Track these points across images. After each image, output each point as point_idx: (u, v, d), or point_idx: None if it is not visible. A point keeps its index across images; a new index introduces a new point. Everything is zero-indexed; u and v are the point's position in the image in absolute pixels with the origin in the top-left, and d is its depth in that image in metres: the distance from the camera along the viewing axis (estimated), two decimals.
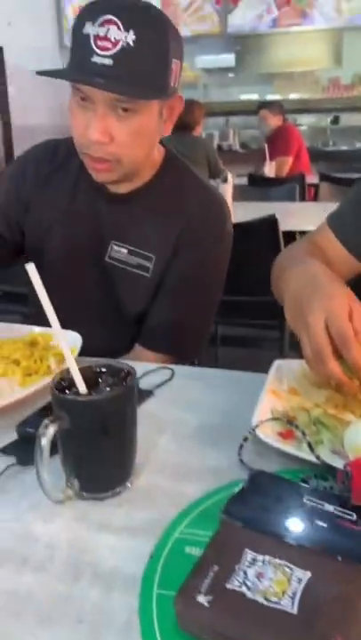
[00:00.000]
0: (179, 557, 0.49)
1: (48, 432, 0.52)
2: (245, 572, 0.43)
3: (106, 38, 0.82)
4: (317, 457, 0.60)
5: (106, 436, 0.55)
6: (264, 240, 2.02)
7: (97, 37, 0.82)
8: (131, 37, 0.82)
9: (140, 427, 0.60)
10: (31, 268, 0.54)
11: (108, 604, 0.45)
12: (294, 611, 0.40)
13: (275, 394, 0.73)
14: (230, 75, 6.73)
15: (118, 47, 0.82)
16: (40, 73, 0.88)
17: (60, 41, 6.59)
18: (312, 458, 0.60)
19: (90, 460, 0.56)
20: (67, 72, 0.88)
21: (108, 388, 0.56)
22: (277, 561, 0.44)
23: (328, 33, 5.75)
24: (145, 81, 0.85)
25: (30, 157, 1.13)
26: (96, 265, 1.07)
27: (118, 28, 0.82)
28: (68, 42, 6.48)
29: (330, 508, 0.52)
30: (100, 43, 0.82)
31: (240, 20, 5.75)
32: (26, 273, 1.18)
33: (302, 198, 3.70)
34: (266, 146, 4.21)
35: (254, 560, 0.44)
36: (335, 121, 6.34)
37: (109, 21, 0.82)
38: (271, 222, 2.01)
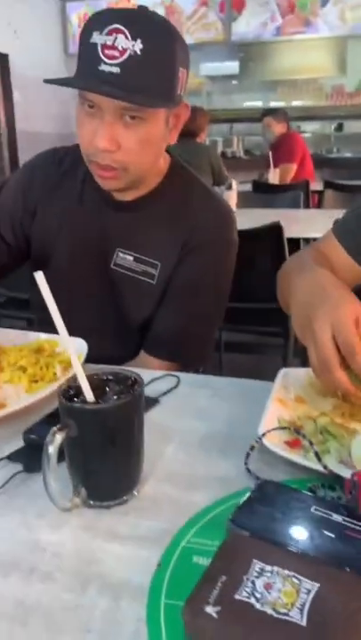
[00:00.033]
0: (186, 567, 0.49)
1: (55, 440, 0.52)
2: (254, 583, 0.43)
3: (113, 47, 0.82)
4: (325, 466, 0.59)
5: (113, 444, 0.55)
6: (269, 247, 2.02)
7: (104, 46, 0.83)
8: (138, 46, 0.82)
9: (145, 435, 0.60)
10: (40, 277, 0.55)
11: (117, 613, 0.45)
12: (303, 622, 0.40)
13: (281, 402, 0.73)
14: (234, 82, 6.77)
15: (126, 55, 0.83)
16: (48, 81, 0.89)
17: (65, 49, 6.64)
18: (319, 467, 0.60)
19: (97, 469, 0.56)
20: (75, 80, 0.89)
21: (115, 397, 0.56)
22: (286, 572, 0.44)
23: (332, 41, 5.78)
24: (152, 89, 0.86)
25: (37, 165, 1.14)
26: (101, 272, 1.08)
27: (126, 36, 0.82)
28: (72, 49, 6.53)
29: (338, 518, 0.52)
30: (107, 51, 0.83)
31: (244, 27, 5.79)
32: (31, 279, 1.19)
33: (306, 205, 3.71)
34: (270, 153, 4.23)
35: (262, 570, 0.44)
36: (339, 128, 6.37)
37: (117, 30, 0.82)
38: (276, 229, 2.01)
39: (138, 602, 0.46)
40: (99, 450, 0.55)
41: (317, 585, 0.43)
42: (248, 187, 3.83)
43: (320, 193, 4.03)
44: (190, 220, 1.04)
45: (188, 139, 3.45)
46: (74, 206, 1.08)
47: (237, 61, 6.51)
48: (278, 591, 0.42)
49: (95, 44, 0.83)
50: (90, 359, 0.84)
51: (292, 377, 0.79)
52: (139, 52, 0.83)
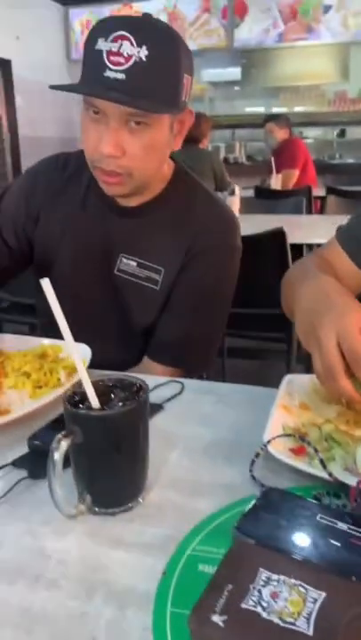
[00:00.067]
0: (192, 575, 0.49)
1: (61, 447, 0.52)
2: (260, 592, 0.43)
3: (118, 54, 0.83)
4: (330, 474, 0.59)
5: (118, 450, 0.55)
6: (272, 253, 2.02)
7: (109, 53, 0.83)
8: (143, 52, 0.83)
9: (150, 441, 0.60)
10: (46, 283, 0.55)
11: (122, 622, 0.45)
12: (310, 632, 0.40)
13: (286, 409, 0.73)
14: (236, 88, 6.80)
15: (131, 62, 0.83)
16: (54, 87, 0.89)
17: (68, 55, 6.68)
18: (324, 475, 0.60)
19: (102, 475, 0.56)
20: (81, 87, 0.89)
21: (120, 403, 0.56)
22: (292, 581, 0.44)
23: (335, 47, 5.81)
24: (157, 95, 0.87)
25: (40, 171, 1.14)
26: (105, 277, 1.08)
27: (131, 43, 0.83)
28: (75, 56, 6.58)
29: (343, 526, 0.52)
30: (112, 58, 0.83)
31: (246, 34, 5.83)
32: (36, 285, 1.19)
33: (309, 211, 3.71)
34: (272, 158, 4.24)
35: (269, 579, 0.44)
36: (342, 134, 6.38)
37: (122, 37, 0.83)
38: (279, 235, 2.02)
39: (143, 610, 0.46)
40: (104, 456, 0.55)
41: (324, 594, 0.43)
42: (250, 192, 3.84)
43: (322, 199, 4.04)
44: (194, 225, 1.05)
45: (190, 144, 3.47)
46: (77, 212, 1.09)
47: (240, 67, 6.54)
48: (285, 600, 0.42)
49: (100, 51, 0.84)
50: (93, 364, 0.84)
51: (296, 384, 0.79)
52: (144, 59, 0.83)
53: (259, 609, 0.41)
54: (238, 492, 0.60)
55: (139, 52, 0.83)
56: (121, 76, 0.83)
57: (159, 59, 0.85)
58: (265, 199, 3.73)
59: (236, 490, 0.61)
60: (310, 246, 2.50)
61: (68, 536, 0.55)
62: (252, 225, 2.14)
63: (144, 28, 0.85)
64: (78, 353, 0.57)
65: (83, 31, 6.54)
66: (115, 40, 0.83)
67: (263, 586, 0.43)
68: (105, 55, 0.83)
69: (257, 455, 0.65)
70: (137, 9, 6.09)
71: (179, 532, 0.54)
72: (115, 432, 0.54)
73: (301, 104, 6.45)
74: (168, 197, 1.06)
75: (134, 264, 1.06)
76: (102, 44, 0.84)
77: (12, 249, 1.13)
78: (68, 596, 0.48)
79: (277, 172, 4.13)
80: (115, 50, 0.83)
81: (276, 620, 0.40)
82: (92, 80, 0.86)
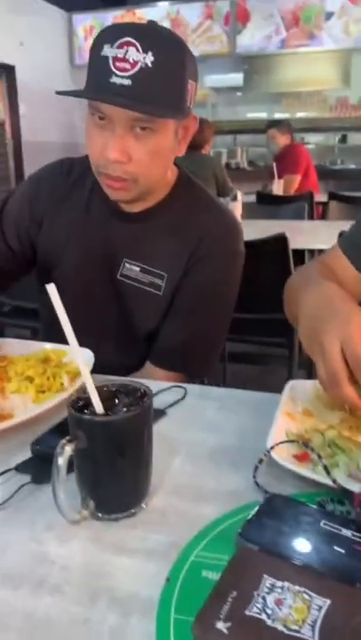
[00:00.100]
0: (196, 581, 0.49)
1: (65, 452, 0.52)
2: (265, 599, 0.43)
3: (124, 60, 0.83)
4: (334, 480, 0.59)
5: (122, 456, 0.55)
6: (273, 258, 2.03)
7: (115, 59, 0.84)
8: (149, 59, 0.83)
9: (153, 447, 0.60)
10: (52, 289, 0.55)
11: (126, 628, 0.45)
12: (315, 639, 0.40)
13: (289, 415, 0.73)
14: (238, 94, 6.83)
15: (137, 68, 0.83)
16: (60, 93, 0.90)
17: (71, 61, 6.71)
18: (328, 481, 0.59)
19: (106, 481, 0.56)
20: (87, 92, 0.90)
21: (124, 409, 0.56)
22: (297, 588, 0.43)
23: (336, 54, 5.84)
24: (163, 100, 0.87)
25: (43, 177, 1.14)
26: (108, 282, 1.08)
27: (137, 49, 0.83)
28: (78, 61, 6.61)
29: (347, 533, 0.52)
30: (118, 64, 0.84)
31: (248, 40, 5.85)
32: (39, 289, 1.19)
33: (310, 216, 3.72)
34: (274, 164, 4.25)
35: (273, 586, 0.44)
36: (343, 140, 6.40)
37: (128, 43, 0.84)
38: (281, 240, 2.02)
39: (147, 616, 0.45)
40: (108, 462, 0.55)
41: (328, 601, 0.42)
42: (252, 198, 3.84)
43: (324, 204, 4.05)
44: (197, 231, 1.05)
45: (193, 150, 3.48)
46: (81, 217, 1.09)
47: (242, 73, 6.57)
48: (289, 607, 0.42)
49: (106, 57, 0.84)
50: (96, 369, 0.84)
51: (299, 389, 0.79)
52: (150, 65, 0.84)
53: (263, 616, 0.41)
54: (242, 498, 0.60)
55: (145, 57, 0.83)
56: (127, 81, 0.84)
57: (165, 65, 0.85)
58: (267, 204, 3.73)
59: (240, 496, 0.61)
60: (312, 252, 2.50)
61: (72, 542, 0.55)
62: (254, 230, 2.14)
63: (150, 35, 0.86)
64: (82, 358, 0.57)
65: (86, 37, 6.57)
66: (121, 46, 0.84)
67: (267, 593, 0.43)
68: (111, 61, 0.84)
69: (260, 461, 0.65)
70: (140, 15, 6.14)
71: (182, 538, 0.54)
72: (119, 437, 0.54)
73: (303, 110, 6.47)
74: (171, 203, 1.06)
75: (137, 269, 1.06)
76: (108, 51, 0.84)
77: (15, 252, 1.13)
78: (71, 601, 0.48)
79: (279, 177, 4.14)
80: (121, 56, 0.83)
81: (280, 628, 0.40)
82: (98, 86, 0.87)
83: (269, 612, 0.42)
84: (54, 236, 1.11)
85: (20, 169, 5.84)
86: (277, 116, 6.27)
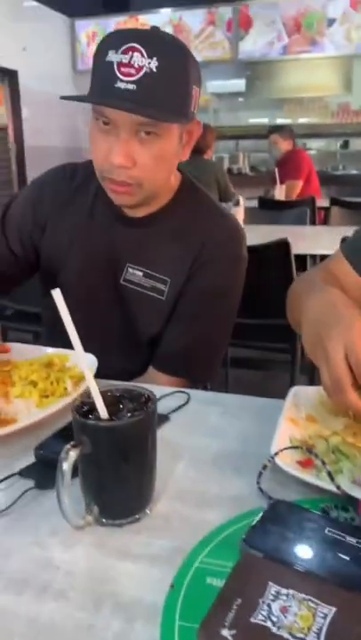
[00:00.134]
0: (200, 588, 0.49)
1: (70, 457, 0.52)
2: (270, 606, 0.42)
3: (129, 65, 0.84)
4: (338, 487, 0.59)
5: (126, 461, 0.55)
6: (276, 263, 2.03)
7: (120, 64, 0.84)
8: (154, 64, 0.84)
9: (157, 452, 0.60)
10: (57, 294, 0.55)
11: (130, 634, 0.45)
12: None
13: (293, 421, 0.73)
14: (240, 99, 6.85)
15: (142, 73, 0.84)
16: (65, 98, 0.90)
17: (74, 65, 6.74)
18: (332, 487, 0.59)
19: (110, 486, 0.56)
20: (92, 97, 0.90)
21: (128, 414, 0.56)
22: (302, 595, 0.43)
23: (338, 60, 5.86)
24: (168, 105, 0.87)
25: (46, 182, 1.15)
26: (111, 287, 1.08)
27: (142, 54, 0.84)
28: (81, 66, 6.64)
29: (352, 540, 0.51)
30: (123, 69, 0.84)
31: (251, 46, 5.88)
32: (42, 293, 1.19)
33: (312, 222, 3.72)
34: (276, 169, 4.26)
35: (278, 593, 0.44)
36: (345, 145, 6.42)
37: (133, 49, 0.84)
38: (283, 246, 2.02)
39: (151, 623, 0.45)
40: (112, 467, 0.55)
41: (334, 609, 0.42)
42: (254, 203, 3.85)
43: (326, 210, 4.05)
44: (200, 236, 1.05)
45: (195, 155, 3.48)
46: (84, 222, 1.09)
47: (244, 79, 6.60)
48: (294, 615, 0.42)
49: (111, 63, 0.85)
50: (98, 374, 0.84)
51: (302, 395, 0.79)
52: (155, 70, 0.84)
53: (268, 623, 0.41)
54: (246, 504, 0.60)
55: (149, 63, 0.84)
56: (132, 86, 0.84)
57: (169, 70, 0.86)
58: (268, 210, 3.74)
59: (244, 501, 0.61)
60: (314, 257, 2.50)
61: (76, 547, 0.54)
62: (256, 235, 2.14)
63: (154, 40, 0.86)
64: (87, 363, 0.57)
65: (89, 43, 6.60)
66: (125, 52, 0.84)
67: (273, 600, 0.43)
68: (115, 66, 0.84)
69: (264, 467, 0.64)
70: (143, 21, 6.17)
71: (186, 543, 0.54)
72: (123, 443, 0.54)
73: (305, 116, 6.49)
74: (175, 208, 1.06)
75: (140, 274, 1.06)
76: (113, 56, 0.85)
77: (18, 256, 1.14)
78: (75, 607, 0.47)
79: (281, 182, 4.15)
80: (125, 61, 0.84)
81: (286, 636, 0.40)
82: (102, 91, 0.87)
83: (275, 619, 0.41)
84: (57, 241, 1.11)
85: (22, 173, 5.86)
86: (279, 121, 6.30)
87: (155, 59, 0.84)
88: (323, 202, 4.19)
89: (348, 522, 0.57)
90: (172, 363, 1.07)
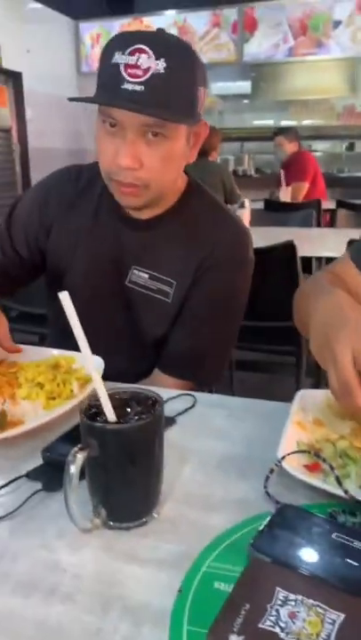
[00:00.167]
0: (208, 592, 0.48)
1: (77, 460, 0.52)
2: (278, 612, 0.42)
3: (136, 66, 0.84)
4: (345, 491, 0.59)
5: (134, 464, 0.55)
6: (281, 266, 2.02)
7: (127, 66, 0.85)
8: (162, 65, 0.84)
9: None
10: (65, 297, 0.55)
11: (138, 638, 0.45)
12: None
13: (299, 425, 0.73)
14: (246, 101, 6.85)
15: (149, 74, 0.84)
16: (72, 99, 0.90)
17: (78, 67, 6.76)
18: (340, 492, 0.59)
19: (117, 489, 0.56)
20: (99, 98, 0.90)
21: (136, 417, 0.56)
22: (310, 601, 0.43)
23: (344, 62, 5.85)
24: (175, 106, 0.88)
25: (52, 184, 1.15)
26: (116, 289, 1.08)
27: (149, 56, 0.84)
28: (85, 68, 6.65)
29: (360, 545, 0.51)
30: (130, 70, 0.84)
31: (256, 48, 5.88)
32: (48, 295, 1.19)
33: (318, 224, 3.72)
34: (282, 171, 4.25)
35: (286, 599, 0.43)
36: (350, 147, 6.41)
37: (140, 50, 0.84)
38: (289, 248, 2.02)
39: (159, 627, 0.45)
40: (120, 470, 0.55)
41: (343, 615, 0.42)
42: (259, 205, 3.85)
43: (332, 212, 4.05)
44: (206, 238, 1.05)
45: (200, 157, 3.48)
46: (90, 224, 1.09)
47: (249, 81, 6.59)
48: (303, 621, 0.42)
49: (118, 64, 0.85)
50: (103, 376, 0.84)
51: (309, 399, 0.79)
52: (162, 71, 0.84)
53: (277, 629, 0.41)
54: (252, 508, 0.60)
55: (157, 64, 0.84)
56: (139, 87, 0.84)
57: (176, 71, 0.86)
58: (274, 212, 3.74)
59: (251, 505, 0.61)
60: (320, 259, 2.50)
61: (83, 550, 0.54)
62: (262, 237, 2.14)
63: (160, 42, 0.87)
64: (95, 366, 0.57)
65: (93, 45, 6.62)
66: (132, 53, 0.84)
67: (281, 605, 0.43)
68: (122, 68, 0.85)
69: (271, 471, 0.64)
70: (147, 23, 6.18)
71: (193, 547, 0.54)
72: (131, 446, 0.54)
73: (310, 117, 6.48)
74: (181, 210, 1.06)
75: (146, 276, 1.06)
76: (119, 58, 0.85)
77: (23, 258, 1.14)
78: (83, 610, 0.47)
79: (287, 184, 4.14)
80: (132, 63, 0.84)
81: None
82: (109, 92, 0.87)
83: (283, 625, 0.41)
84: (63, 243, 1.11)
85: (26, 175, 5.87)
86: (284, 123, 6.29)
87: (162, 60, 0.84)
88: (328, 204, 4.18)
89: (356, 527, 0.56)
90: (177, 365, 1.07)
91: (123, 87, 0.85)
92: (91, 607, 0.48)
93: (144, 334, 1.10)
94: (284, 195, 4.09)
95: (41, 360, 0.92)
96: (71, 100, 0.91)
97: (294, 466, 0.64)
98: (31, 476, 0.65)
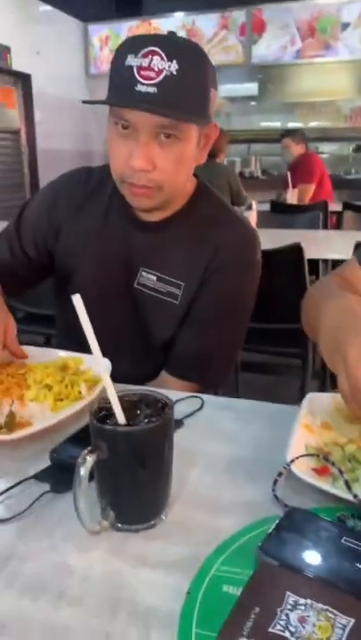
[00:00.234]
0: (216, 596, 0.48)
1: (87, 462, 0.52)
2: (288, 616, 0.42)
3: (149, 68, 0.85)
4: (355, 496, 0.59)
5: (143, 467, 0.55)
6: (288, 268, 2.02)
7: (140, 68, 0.85)
8: (174, 67, 0.84)
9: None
10: (77, 300, 0.55)
11: None
12: None
13: (308, 428, 0.72)
14: (253, 103, 6.85)
15: (162, 76, 0.85)
16: (86, 102, 0.91)
17: (87, 69, 6.79)
18: (349, 496, 0.59)
19: (126, 491, 0.56)
20: (114, 99, 0.91)
21: (145, 420, 0.56)
22: (320, 605, 0.43)
23: (351, 64, 5.85)
24: (188, 107, 0.88)
25: (61, 187, 1.15)
26: (125, 291, 1.08)
27: (161, 57, 0.84)
28: (93, 70, 6.68)
29: None
30: (143, 72, 0.85)
31: (264, 50, 5.88)
32: (56, 296, 1.19)
33: (325, 226, 3.71)
34: (288, 173, 4.25)
35: (296, 603, 0.43)
36: (358, 149, 6.39)
37: (153, 52, 0.85)
38: (296, 250, 2.02)
39: (168, 630, 0.45)
40: (129, 472, 0.55)
41: (353, 620, 0.42)
42: (265, 206, 3.85)
43: (339, 214, 4.03)
44: (215, 240, 1.05)
45: (208, 159, 3.48)
46: (99, 226, 1.10)
47: (257, 83, 6.59)
48: (313, 625, 0.42)
49: (131, 67, 0.85)
50: (111, 377, 0.84)
51: (317, 402, 0.78)
52: (175, 73, 0.85)
53: (287, 634, 0.41)
54: (261, 511, 0.60)
55: (170, 66, 0.84)
56: (152, 89, 0.85)
57: (189, 72, 0.86)
58: (281, 214, 3.73)
59: (259, 508, 0.60)
60: (326, 262, 2.49)
61: (92, 552, 0.54)
62: (268, 239, 2.13)
63: (172, 44, 0.87)
64: (106, 368, 0.57)
65: (102, 47, 6.64)
66: (145, 55, 0.85)
67: (291, 610, 0.43)
68: (135, 70, 0.85)
69: (280, 474, 0.64)
70: (156, 25, 6.19)
71: (202, 550, 0.54)
72: (141, 448, 0.54)
73: (317, 119, 6.48)
74: (190, 212, 1.06)
75: (154, 278, 1.06)
76: (132, 60, 0.85)
77: (32, 259, 1.14)
78: (91, 613, 0.47)
79: (293, 186, 4.14)
80: (145, 65, 0.85)
81: None
82: (123, 94, 0.88)
83: (293, 629, 0.41)
84: (72, 245, 1.11)
85: (34, 176, 5.90)
86: (291, 125, 6.29)
87: (175, 61, 0.84)
88: (335, 206, 4.17)
89: None
90: (184, 367, 1.07)
91: (136, 89, 0.85)
92: (99, 610, 0.48)
93: (151, 336, 1.10)
94: (291, 196, 4.08)
95: (49, 361, 0.92)
96: (85, 102, 0.92)
97: (303, 469, 0.63)
98: (39, 477, 0.65)
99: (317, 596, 0.44)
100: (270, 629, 0.41)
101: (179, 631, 0.45)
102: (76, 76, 6.57)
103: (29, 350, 0.96)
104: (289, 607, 0.43)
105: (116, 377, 0.83)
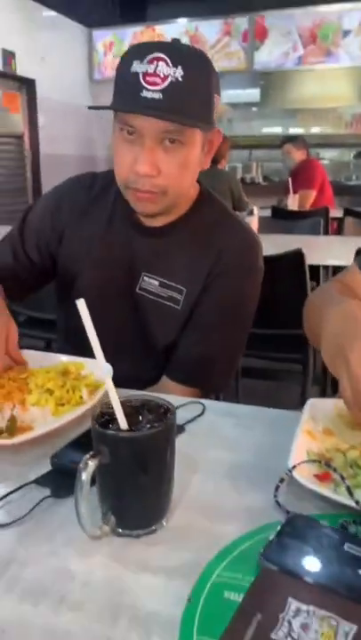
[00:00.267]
0: (218, 602, 0.48)
1: (89, 467, 0.52)
2: (290, 623, 0.42)
3: (155, 74, 0.85)
4: (357, 502, 0.58)
5: (145, 472, 0.55)
6: (290, 274, 2.02)
7: (146, 74, 0.86)
8: (179, 72, 0.85)
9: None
10: (81, 304, 0.56)
11: None
12: None
13: (309, 434, 0.72)
14: (254, 109, 6.88)
15: (167, 82, 0.85)
16: (92, 107, 0.92)
17: (91, 75, 6.82)
18: (351, 502, 0.59)
19: (128, 497, 0.56)
20: (120, 105, 0.91)
21: (148, 425, 0.56)
22: (323, 612, 0.43)
23: (353, 71, 5.88)
24: (193, 112, 0.89)
25: (66, 190, 1.16)
26: (127, 296, 1.09)
27: (167, 63, 0.85)
28: (97, 76, 6.71)
29: None
30: (148, 79, 0.86)
31: (266, 57, 5.91)
32: (58, 300, 1.19)
33: (326, 232, 3.72)
34: (290, 179, 4.26)
35: (298, 610, 0.43)
36: (358, 156, 6.41)
37: (158, 58, 0.86)
38: (298, 256, 2.02)
39: (169, 636, 0.45)
40: (131, 478, 0.55)
41: (355, 627, 0.42)
42: (267, 212, 3.85)
43: (339, 220, 4.04)
44: (217, 246, 1.05)
45: (210, 165, 3.49)
46: (102, 231, 1.10)
47: (258, 89, 6.63)
48: (315, 632, 0.41)
49: (136, 73, 0.86)
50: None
51: (319, 408, 0.78)
52: (180, 79, 0.85)
53: None
54: (262, 517, 0.59)
55: (175, 72, 0.85)
56: (158, 95, 0.85)
57: (194, 78, 0.87)
58: (282, 219, 3.74)
59: (260, 514, 0.60)
60: (327, 268, 2.49)
61: (92, 557, 0.54)
62: (270, 245, 2.13)
63: (177, 51, 0.88)
64: (108, 373, 0.57)
65: (106, 52, 6.68)
66: (150, 62, 0.86)
67: (293, 617, 0.43)
68: (141, 76, 0.86)
69: (282, 480, 0.64)
70: (159, 31, 6.23)
71: (203, 556, 0.54)
72: (143, 454, 0.54)
73: (319, 126, 6.50)
74: (192, 218, 1.07)
75: (156, 283, 1.06)
76: (138, 67, 0.86)
77: (34, 262, 1.14)
78: (92, 618, 0.47)
79: (295, 192, 4.15)
80: (151, 71, 0.85)
81: None
82: (128, 100, 0.89)
83: (295, 636, 0.41)
84: (75, 250, 1.12)
85: (37, 181, 5.91)
86: (293, 131, 6.31)
87: (180, 67, 0.85)
88: (336, 212, 4.18)
89: None
90: (186, 371, 1.07)
91: (142, 95, 0.86)
92: (100, 615, 0.47)
93: (153, 341, 1.10)
94: (292, 202, 4.09)
95: (51, 366, 0.92)
96: (91, 108, 0.92)
97: (305, 475, 0.63)
98: (40, 482, 0.65)
99: (320, 603, 0.44)
100: (273, 636, 0.41)
101: (180, 637, 0.45)
102: (79, 82, 6.60)
103: (31, 354, 0.96)
104: (291, 614, 0.43)
105: (116, 381, 0.83)
